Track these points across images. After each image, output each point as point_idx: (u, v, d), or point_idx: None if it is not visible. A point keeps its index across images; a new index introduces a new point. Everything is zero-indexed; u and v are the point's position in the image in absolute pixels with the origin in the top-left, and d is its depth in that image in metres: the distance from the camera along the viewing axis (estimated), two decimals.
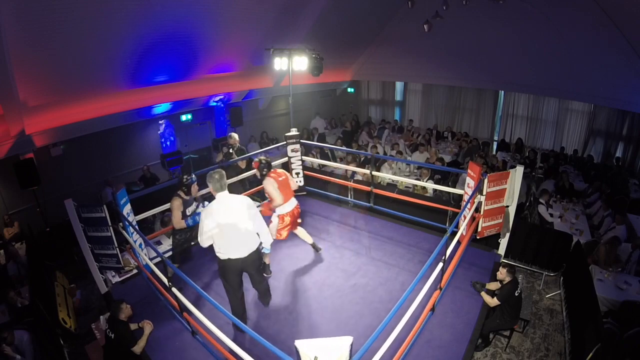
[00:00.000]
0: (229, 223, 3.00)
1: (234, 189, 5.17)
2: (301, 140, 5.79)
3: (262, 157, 4.09)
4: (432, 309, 3.27)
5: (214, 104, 8.65)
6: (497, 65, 8.74)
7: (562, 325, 4.35)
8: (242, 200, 3.15)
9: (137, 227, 3.84)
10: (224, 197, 3.08)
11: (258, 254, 3.27)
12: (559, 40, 7.38)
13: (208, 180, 3.06)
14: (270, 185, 3.97)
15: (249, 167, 5.65)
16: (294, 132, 5.72)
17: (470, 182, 4.12)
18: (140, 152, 8.12)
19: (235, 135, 5.71)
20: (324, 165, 7.41)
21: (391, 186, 6.69)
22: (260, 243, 3.31)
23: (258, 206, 5.75)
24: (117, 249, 3.93)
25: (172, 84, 7.01)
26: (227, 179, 5.04)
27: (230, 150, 5.54)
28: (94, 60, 5.33)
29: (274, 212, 4.13)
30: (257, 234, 3.21)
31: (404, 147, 9.34)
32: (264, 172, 4.01)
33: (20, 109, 4.93)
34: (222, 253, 3.09)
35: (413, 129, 11.08)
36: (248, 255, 3.14)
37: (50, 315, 3.96)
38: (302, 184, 5.89)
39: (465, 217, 3.82)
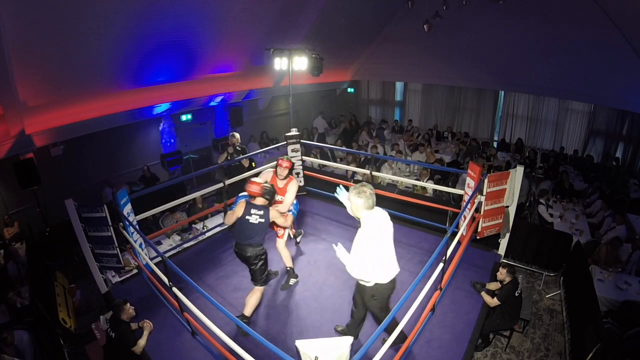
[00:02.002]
0: (388, 242, 2.65)
1: (240, 188, 5.12)
2: (301, 141, 5.79)
3: (289, 157, 4.11)
4: (433, 309, 3.27)
5: (214, 104, 8.65)
6: (497, 65, 8.74)
7: (562, 325, 4.35)
8: (386, 214, 2.72)
9: (137, 226, 3.84)
10: (376, 215, 2.62)
11: None
12: (559, 40, 7.39)
13: (357, 195, 2.51)
14: (295, 187, 3.96)
15: (251, 167, 5.66)
16: (294, 132, 5.72)
17: (470, 182, 4.12)
18: (140, 152, 8.12)
19: (237, 135, 5.72)
20: (324, 165, 7.41)
21: (391, 186, 6.69)
22: None
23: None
24: (118, 248, 3.92)
25: (172, 84, 7.00)
26: (231, 177, 5.01)
27: (238, 148, 5.54)
28: (94, 60, 5.32)
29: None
30: None
31: (404, 147, 9.34)
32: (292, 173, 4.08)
33: (20, 109, 4.92)
34: (383, 276, 2.67)
35: (413, 129, 11.09)
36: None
37: (50, 315, 3.96)
38: (302, 184, 5.89)
39: (465, 218, 3.82)
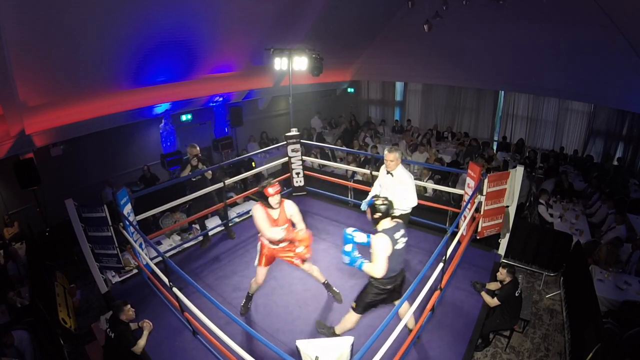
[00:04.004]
0: None
1: (204, 201, 4.79)
2: (301, 141, 5.79)
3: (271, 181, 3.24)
4: (433, 309, 3.27)
5: (214, 104, 8.65)
6: (497, 65, 8.74)
7: (562, 325, 4.35)
8: None
9: (137, 226, 3.84)
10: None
11: None
12: (559, 40, 7.38)
13: (399, 153, 3.62)
14: (294, 206, 3.39)
15: (214, 179, 4.92)
16: (294, 132, 5.72)
17: (470, 182, 4.12)
18: (140, 152, 8.13)
19: (197, 146, 4.90)
20: (324, 165, 7.41)
21: None
22: None
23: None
24: (118, 248, 3.92)
25: (172, 84, 7.01)
26: (198, 190, 4.64)
27: (198, 163, 4.81)
28: (94, 60, 5.33)
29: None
30: None
31: (404, 147, 9.34)
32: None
33: (20, 109, 4.92)
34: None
35: (412, 129, 11.10)
36: None
37: (50, 315, 3.96)
38: (302, 184, 5.90)
39: (465, 217, 3.82)
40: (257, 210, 3.18)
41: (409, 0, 6.85)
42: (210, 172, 4.79)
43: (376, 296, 2.88)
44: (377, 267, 2.64)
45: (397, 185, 3.65)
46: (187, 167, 4.81)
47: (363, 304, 2.91)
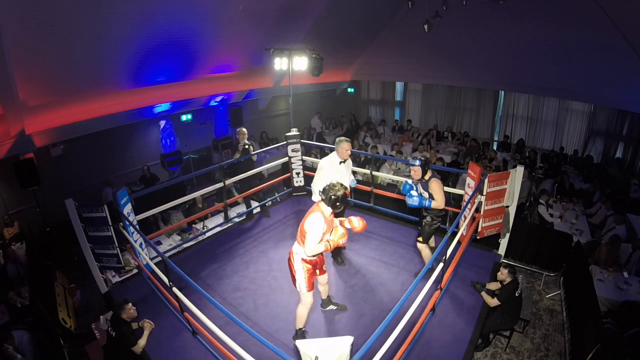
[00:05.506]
0: None
1: (249, 181, 5.31)
2: (301, 140, 5.78)
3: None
4: (433, 309, 3.27)
5: (214, 104, 8.65)
6: (497, 65, 8.75)
7: (562, 325, 4.35)
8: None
9: (137, 226, 3.84)
10: None
11: None
12: (559, 40, 7.39)
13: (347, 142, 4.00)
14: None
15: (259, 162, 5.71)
16: (294, 132, 5.71)
17: (470, 183, 4.12)
18: (140, 152, 8.12)
19: (245, 130, 5.46)
20: None
21: (391, 186, 6.70)
22: None
23: (267, 201, 5.77)
24: (118, 248, 3.92)
25: (172, 84, 7.00)
26: (242, 172, 5.13)
27: (247, 145, 5.36)
28: (94, 60, 5.32)
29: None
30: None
31: (410, 150, 9.34)
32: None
33: (20, 109, 4.92)
34: None
35: (412, 129, 11.10)
36: None
37: (50, 315, 3.96)
38: (302, 183, 5.90)
39: (465, 218, 3.82)
40: (320, 221, 2.82)
41: (409, 0, 6.86)
42: (256, 156, 5.39)
43: (435, 225, 3.74)
44: (443, 202, 3.52)
45: (349, 170, 4.32)
46: (237, 153, 5.40)
47: (428, 235, 3.76)
